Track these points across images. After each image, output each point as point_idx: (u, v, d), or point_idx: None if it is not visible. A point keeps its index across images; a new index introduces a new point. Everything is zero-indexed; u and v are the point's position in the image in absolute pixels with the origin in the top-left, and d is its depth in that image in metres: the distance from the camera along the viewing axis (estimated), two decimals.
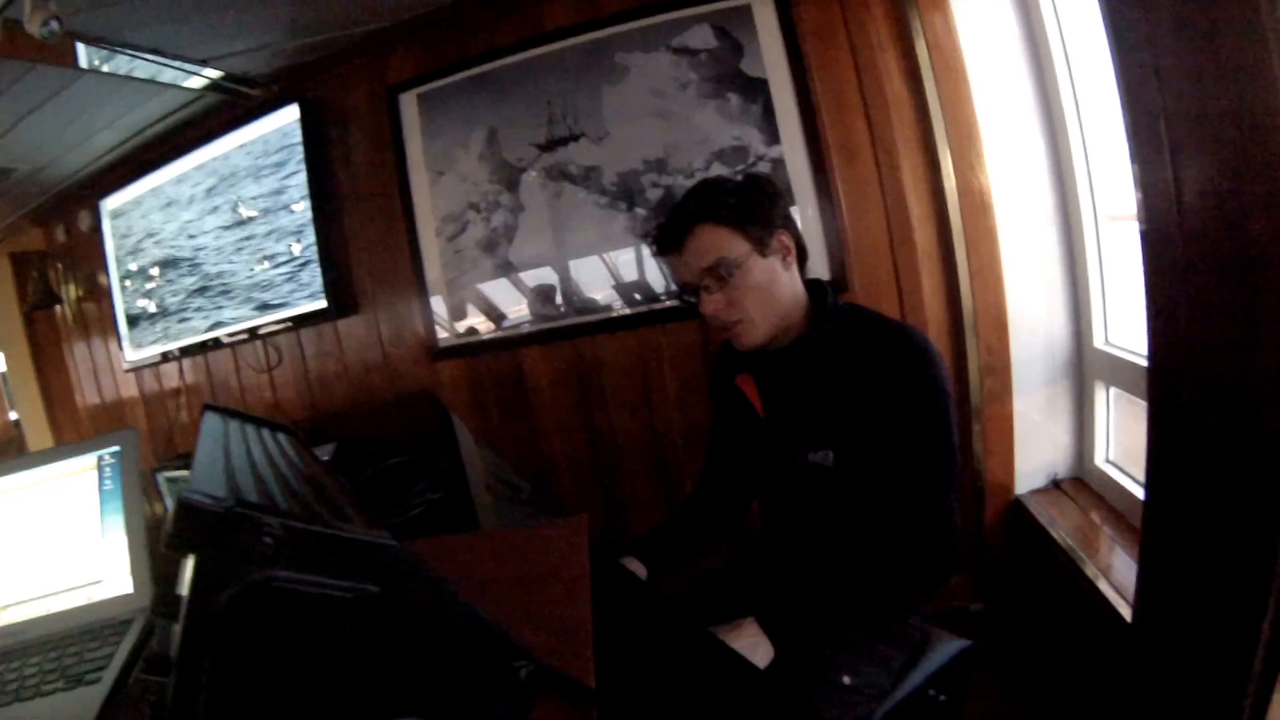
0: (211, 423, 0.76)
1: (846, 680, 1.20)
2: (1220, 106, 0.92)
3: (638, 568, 1.39)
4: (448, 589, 0.51)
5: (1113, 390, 1.96)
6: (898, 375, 1.21)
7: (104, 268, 3.16)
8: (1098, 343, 1.98)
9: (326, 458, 1.48)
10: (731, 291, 1.24)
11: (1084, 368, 2.06)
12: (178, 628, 0.46)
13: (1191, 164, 1.00)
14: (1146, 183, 1.10)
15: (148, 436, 3.22)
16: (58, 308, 3.45)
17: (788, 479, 1.34)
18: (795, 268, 1.31)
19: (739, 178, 1.34)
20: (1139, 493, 1.69)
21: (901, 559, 1.19)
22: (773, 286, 1.26)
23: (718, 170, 2.17)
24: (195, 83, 2.45)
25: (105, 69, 2.31)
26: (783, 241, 1.28)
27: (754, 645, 1.13)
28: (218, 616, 0.43)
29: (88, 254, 3.27)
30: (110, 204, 3.08)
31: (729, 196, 1.26)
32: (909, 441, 1.20)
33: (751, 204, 1.26)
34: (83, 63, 2.25)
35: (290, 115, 2.57)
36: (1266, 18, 0.80)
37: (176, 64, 2.28)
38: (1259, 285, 0.90)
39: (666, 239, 1.29)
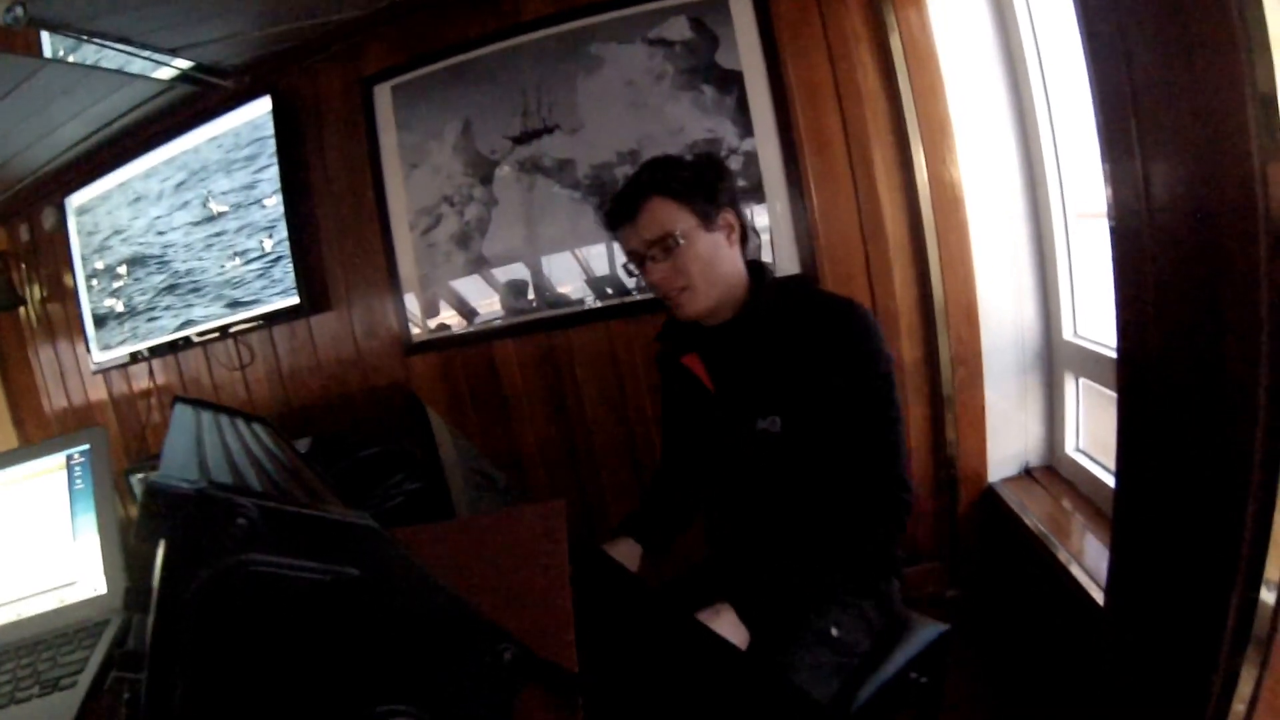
0: (183, 414, 0.74)
1: (835, 632, 1.25)
2: (1189, 107, 0.95)
3: (632, 547, 1.43)
4: (426, 572, 0.50)
5: (1082, 381, 2.00)
6: (839, 342, 1.28)
7: (70, 267, 3.08)
8: (1067, 334, 2.02)
9: (303, 451, 1.47)
10: (677, 260, 1.31)
11: (1054, 359, 2.09)
12: (150, 618, 0.44)
13: (1160, 163, 1.03)
14: (1116, 180, 1.13)
15: (119, 438, 3.17)
16: (21, 309, 3.38)
17: (736, 447, 1.38)
18: (738, 247, 1.38)
19: (690, 156, 1.41)
20: (1109, 480, 1.72)
21: (858, 520, 1.26)
22: (716, 259, 1.33)
23: None
24: (164, 73, 2.41)
25: (71, 59, 2.27)
26: (727, 220, 1.35)
27: (730, 631, 1.16)
28: (191, 603, 0.42)
29: (52, 253, 3.19)
30: (76, 200, 3.01)
31: (681, 171, 1.34)
32: (854, 404, 1.27)
33: (700, 181, 1.33)
34: (47, 52, 2.21)
35: (262, 107, 2.53)
36: (1237, 23, 0.82)
37: (145, 54, 2.23)
38: (1224, 279, 0.93)
39: (620, 210, 1.35)
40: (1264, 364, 0.86)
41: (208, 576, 0.42)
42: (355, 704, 0.48)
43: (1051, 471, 2.13)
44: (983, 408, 2.13)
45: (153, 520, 0.42)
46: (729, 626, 1.16)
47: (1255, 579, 0.92)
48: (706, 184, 1.33)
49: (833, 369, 1.27)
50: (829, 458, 1.29)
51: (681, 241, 1.30)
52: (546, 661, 0.64)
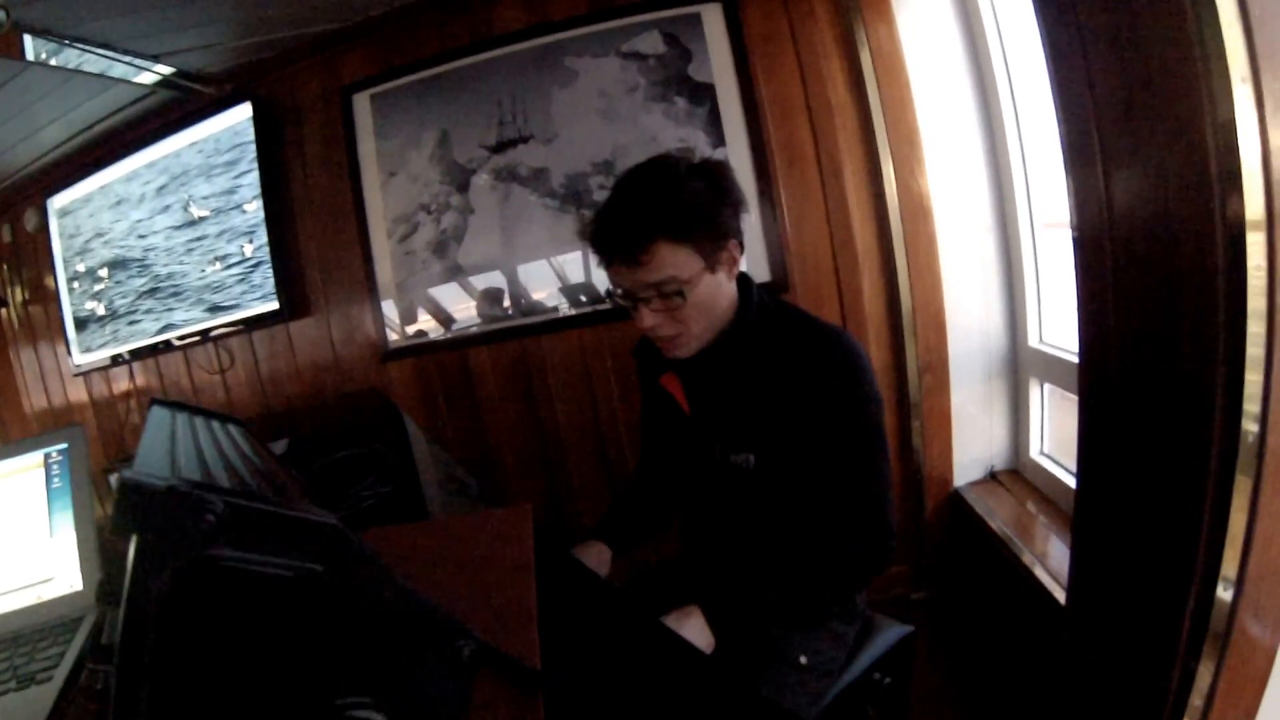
0: (159, 416, 0.76)
1: (803, 660, 1.23)
2: (1149, 125, 0.98)
3: (603, 551, 1.40)
4: (387, 569, 0.52)
5: (1046, 386, 2.04)
6: (827, 379, 1.19)
7: (51, 269, 3.08)
8: (1032, 341, 2.06)
9: (280, 453, 1.48)
10: (676, 311, 1.20)
11: (1019, 365, 2.13)
12: (120, 611, 0.45)
13: (1121, 177, 1.06)
14: (1079, 192, 1.17)
15: (98, 439, 3.16)
16: (2, 311, 3.36)
17: (709, 478, 1.33)
18: (733, 277, 1.27)
19: (696, 168, 1.22)
20: (1072, 483, 1.74)
21: (841, 558, 1.21)
22: (714, 303, 1.22)
23: None
24: (146, 78, 2.42)
25: (53, 62, 2.27)
26: (731, 254, 1.22)
27: (697, 634, 1.15)
28: (160, 597, 0.43)
29: (34, 254, 3.18)
30: (58, 202, 3.01)
31: (690, 204, 1.17)
32: (840, 444, 1.20)
33: (710, 214, 1.18)
34: (30, 55, 2.21)
35: (243, 114, 2.54)
36: (1194, 40, 0.85)
37: (127, 59, 2.25)
38: (1181, 289, 0.96)
39: (620, 249, 1.18)
40: (1220, 369, 0.90)
41: (176, 570, 0.43)
42: (318, 697, 0.49)
43: (1016, 475, 2.17)
44: (949, 413, 2.17)
45: (125, 515, 0.43)
46: (696, 630, 1.14)
47: (1212, 577, 0.95)
48: (715, 216, 1.18)
49: (817, 408, 1.19)
50: (808, 499, 1.23)
51: (686, 294, 1.17)
52: (506, 656, 0.65)
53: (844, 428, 1.20)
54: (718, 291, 1.22)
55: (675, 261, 1.16)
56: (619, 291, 1.24)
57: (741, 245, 1.25)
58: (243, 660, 0.47)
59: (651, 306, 1.20)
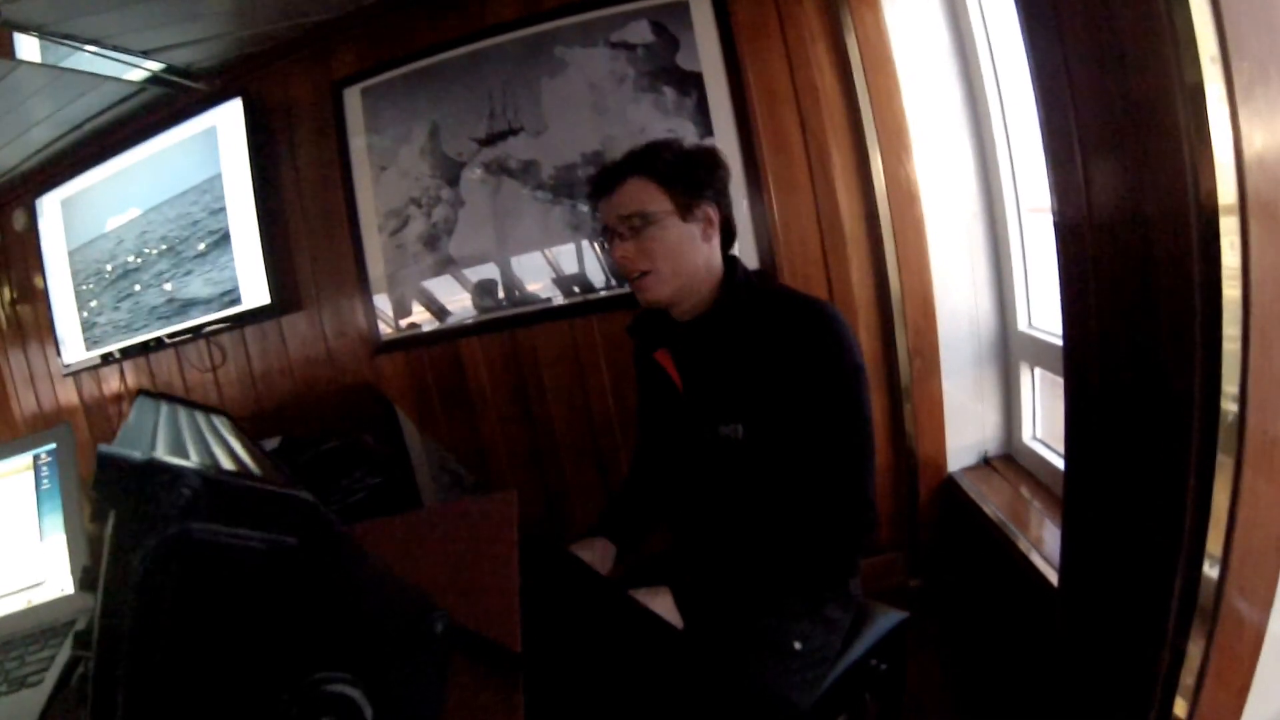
0: (144, 406, 0.76)
1: (797, 646, 1.22)
2: (1124, 113, 0.99)
3: (605, 546, 1.41)
4: (360, 545, 0.52)
5: (1038, 370, 2.04)
6: (809, 349, 1.23)
7: (40, 268, 3.07)
8: (1022, 325, 2.06)
9: (271, 449, 1.48)
10: (644, 242, 1.29)
11: (1010, 349, 2.14)
12: (98, 589, 0.46)
13: (1100, 166, 1.07)
14: (1059, 182, 1.17)
15: (89, 441, 3.15)
16: None
17: (700, 451, 1.35)
18: (715, 242, 1.35)
19: (686, 144, 1.38)
20: None
21: (816, 534, 1.21)
22: (684, 249, 1.30)
23: None
24: (136, 75, 2.41)
25: (43, 60, 2.26)
26: (707, 213, 1.32)
27: (665, 614, 1.15)
28: (136, 572, 0.43)
29: (23, 254, 3.17)
30: (47, 202, 3.00)
31: (667, 155, 1.32)
32: (822, 415, 1.22)
33: (685, 170, 1.31)
34: (19, 53, 2.20)
35: (234, 110, 2.54)
36: (1167, 37, 0.86)
37: (117, 56, 2.23)
38: (1159, 274, 0.97)
39: (602, 183, 1.34)
40: (1198, 350, 0.90)
41: (152, 545, 0.43)
42: (292, 672, 0.49)
43: (1010, 460, 2.17)
44: (940, 398, 2.17)
45: (103, 490, 0.43)
46: (663, 610, 1.15)
47: (1198, 555, 0.95)
48: (692, 174, 1.30)
49: (800, 378, 1.22)
50: (792, 469, 1.24)
51: (652, 224, 1.28)
52: (478, 634, 0.66)
53: (824, 397, 1.22)
54: (689, 243, 1.31)
55: (642, 197, 1.29)
56: (603, 228, 1.37)
57: (724, 214, 1.35)
58: (219, 636, 0.47)
59: (622, 239, 1.31)
